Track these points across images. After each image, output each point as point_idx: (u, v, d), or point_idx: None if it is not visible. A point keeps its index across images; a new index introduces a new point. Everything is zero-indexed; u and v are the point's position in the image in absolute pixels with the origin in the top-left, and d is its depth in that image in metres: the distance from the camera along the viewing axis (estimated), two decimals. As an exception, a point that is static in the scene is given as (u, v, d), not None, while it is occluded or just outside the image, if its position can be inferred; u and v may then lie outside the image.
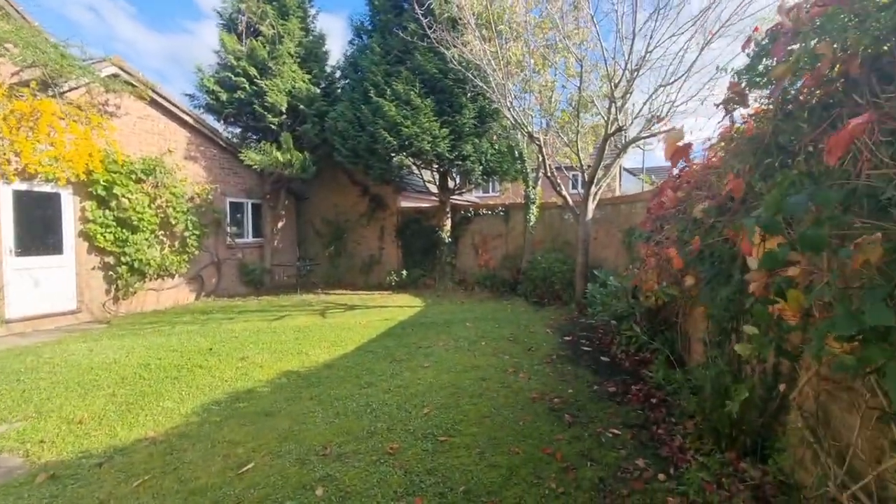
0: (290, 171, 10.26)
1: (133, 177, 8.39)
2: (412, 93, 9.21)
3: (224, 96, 9.84)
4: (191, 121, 9.76)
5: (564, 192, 8.37)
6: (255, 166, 10.17)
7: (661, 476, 2.77)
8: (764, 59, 1.98)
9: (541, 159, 8.47)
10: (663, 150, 2.31)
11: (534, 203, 10.19)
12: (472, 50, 7.71)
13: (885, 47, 1.53)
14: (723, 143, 2.89)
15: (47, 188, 7.42)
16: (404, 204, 12.79)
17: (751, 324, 2.86)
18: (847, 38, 1.55)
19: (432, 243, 11.77)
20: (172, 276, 9.56)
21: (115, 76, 8.06)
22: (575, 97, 8.40)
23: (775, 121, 1.90)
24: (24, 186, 7.12)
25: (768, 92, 2.08)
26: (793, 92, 1.92)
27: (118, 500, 2.60)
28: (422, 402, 3.96)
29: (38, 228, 7.49)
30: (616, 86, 6.71)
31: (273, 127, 10.15)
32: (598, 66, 8.97)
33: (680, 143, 2.19)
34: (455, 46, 7.81)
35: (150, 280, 9.07)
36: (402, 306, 9.01)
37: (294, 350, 5.71)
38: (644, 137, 7.41)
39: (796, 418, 2.57)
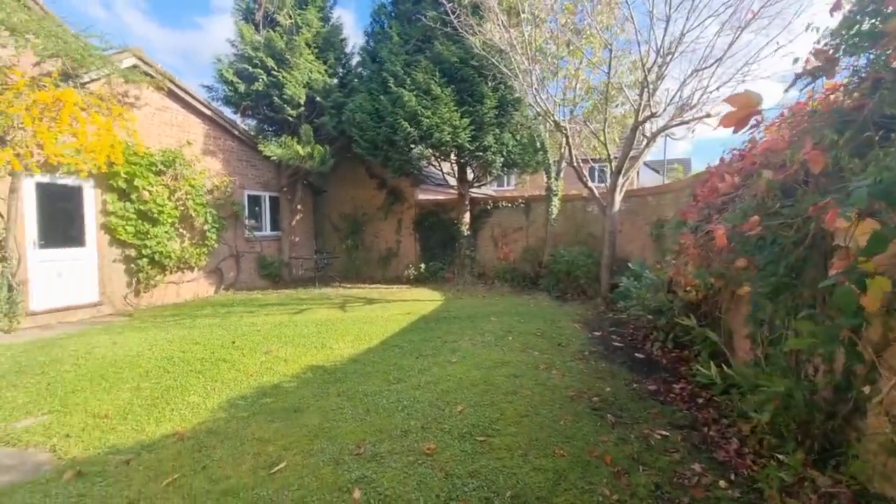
0: (309, 165, 10.15)
1: (153, 169, 8.36)
2: (432, 82, 8.99)
3: (242, 87, 9.75)
4: (209, 112, 9.69)
5: (590, 184, 8.10)
6: (274, 158, 10.08)
7: (723, 483, 2.56)
8: (867, 19, 1.74)
9: (566, 150, 8.21)
10: (721, 119, 2.08)
11: (556, 195, 9.92)
12: (497, 37, 7.45)
13: None
14: (791, 119, 2.64)
15: (69, 180, 7.42)
16: (422, 197, 12.62)
17: (813, 317, 2.62)
18: None
19: (451, 236, 11.59)
20: (192, 269, 9.54)
21: (135, 67, 8.00)
22: (603, 84, 8.11)
23: (881, 89, 1.67)
24: (46, 179, 7.12)
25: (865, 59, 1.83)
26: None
27: (148, 500, 2.48)
28: (454, 399, 3.79)
29: (60, 221, 7.49)
30: (649, 70, 6.41)
31: (291, 119, 10.04)
32: (627, 52, 8.67)
33: (746, 110, 1.96)
34: (478, 33, 7.56)
35: (171, 273, 9.06)
36: (423, 300, 8.85)
37: (317, 344, 5.59)
38: (675, 125, 7.11)
39: (880, 424, 2.33)
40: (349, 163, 12.06)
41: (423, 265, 11.48)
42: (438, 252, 11.90)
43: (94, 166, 6.42)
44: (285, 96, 9.64)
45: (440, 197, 12.86)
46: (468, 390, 3.99)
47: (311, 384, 4.23)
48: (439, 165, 11.48)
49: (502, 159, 9.90)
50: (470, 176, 11.22)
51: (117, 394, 4.08)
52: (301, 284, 11.36)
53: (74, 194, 7.61)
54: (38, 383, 4.36)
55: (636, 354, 5.07)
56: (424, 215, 12.17)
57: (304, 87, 9.82)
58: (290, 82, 9.55)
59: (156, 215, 8.36)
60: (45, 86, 5.31)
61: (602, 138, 7.88)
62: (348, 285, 11.30)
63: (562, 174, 10.13)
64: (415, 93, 9.03)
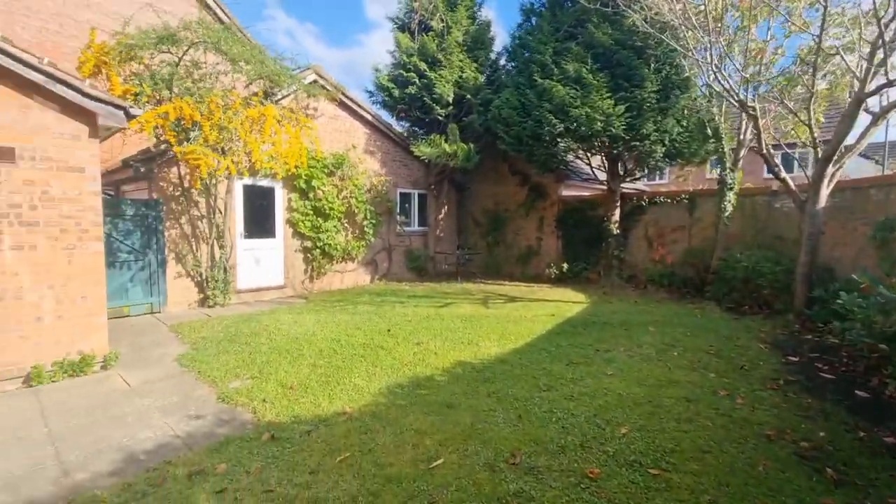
0: (454, 162, 10.47)
1: (326, 171, 9.53)
2: (583, 69, 8.41)
3: (396, 92, 10.48)
4: (369, 118, 10.67)
5: (783, 174, 6.66)
6: (424, 158, 10.64)
7: None
8: None
9: (749, 134, 6.90)
10: None
11: (731, 189, 8.45)
12: (666, 8, 6.59)
13: None
14: None
15: (265, 182, 8.89)
16: (565, 193, 12.04)
17: None
18: None
19: (597, 235, 10.80)
20: (352, 260, 10.66)
21: (314, 82, 9.20)
22: (804, 51, 6.60)
23: None
24: (250, 181, 8.65)
25: None
26: None
27: (326, 473, 2.73)
28: (616, 418, 3.42)
29: (258, 216, 9.04)
30: (886, 26, 4.93)
31: (440, 118, 10.46)
32: (840, 11, 6.91)
33: None
34: (643, 9, 6.78)
35: (336, 263, 10.25)
36: (567, 301, 8.42)
37: (464, 339, 5.68)
38: None
39: None
40: (492, 160, 12.13)
41: (565, 264, 10.95)
42: (582, 251, 11.22)
43: (285, 170, 7.54)
44: (435, 96, 10.07)
45: (585, 193, 12.11)
46: (631, 410, 3.57)
47: (461, 380, 4.28)
48: (588, 159, 10.79)
49: (663, 149, 8.80)
50: (621, 170, 10.29)
51: (299, 368, 4.69)
52: (444, 278, 11.84)
53: (268, 194, 9.10)
54: (242, 351, 5.27)
55: (858, 392, 3.96)
56: (568, 212, 11.58)
57: (453, 85, 10.12)
58: (440, 81, 9.94)
59: (327, 211, 9.53)
60: (252, 104, 6.45)
61: (805, 117, 6.39)
62: (489, 281, 11.39)
63: (739, 164, 8.58)
64: (563, 83, 8.57)
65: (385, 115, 11.41)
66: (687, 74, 8.31)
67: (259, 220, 9.05)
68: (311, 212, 9.40)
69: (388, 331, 6.11)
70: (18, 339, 4.26)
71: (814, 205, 6.44)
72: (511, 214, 12.67)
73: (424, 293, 9.51)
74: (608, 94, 8.29)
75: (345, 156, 9.87)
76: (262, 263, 9.05)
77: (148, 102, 5.87)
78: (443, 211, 13.04)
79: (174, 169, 7.52)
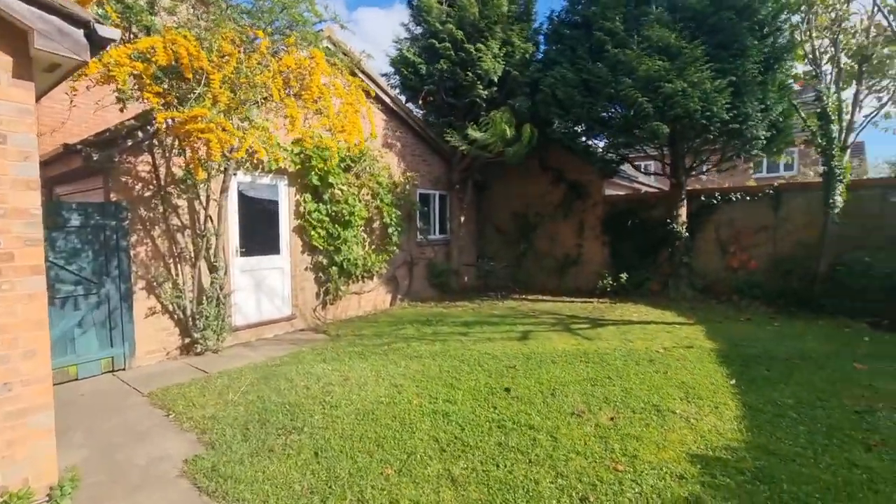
0: (514, 150, 8.53)
1: (342, 165, 7.35)
2: (672, 37, 6.85)
3: (424, 69, 8.47)
4: (387, 100, 8.57)
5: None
6: (464, 148, 8.69)
7: None
8: None
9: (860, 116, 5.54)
10: None
11: (841, 181, 7.17)
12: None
13: None
14: None
15: (267, 179, 6.62)
16: (608, 192, 10.51)
17: None
18: None
19: (656, 239, 9.28)
20: (371, 278, 8.48)
21: (327, 49, 7.02)
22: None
23: None
24: (247, 177, 6.35)
25: None
26: None
27: None
28: None
29: (258, 225, 6.71)
30: None
31: (479, 101, 8.54)
32: None
33: None
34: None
35: (354, 282, 8.04)
36: (669, 322, 6.73)
37: (641, 403, 3.75)
38: None
39: None
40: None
41: (623, 275, 9.32)
42: (634, 259, 9.66)
43: (299, 160, 5.34)
44: (479, 71, 8.13)
45: (626, 192, 10.65)
46: None
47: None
48: (645, 151, 9.27)
49: (766, 134, 7.37)
50: (688, 162, 8.85)
51: (427, 487, 2.60)
52: (473, 295, 9.89)
53: (271, 195, 6.80)
54: (298, 450, 3.09)
55: None
56: (616, 214, 10.00)
57: (500, 60, 8.25)
58: (486, 55, 8.04)
59: (346, 217, 7.34)
60: (285, 49, 4.25)
61: None
62: (529, 297, 9.57)
63: (848, 152, 7.32)
64: (646, 52, 6.96)
65: (403, 100, 9.35)
66: (790, 39, 6.98)
67: (260, 231, 6.73)
68: (328, 218, 7.17)
69: (508, 390, 4.10)
70: None
71: None
72: (544, 218, 10.94)
73: (475, 318, 7.50)
74: (705, 67, 6.75)
75: (366, 146, 7.72)
76: (264, 289, 6.72)
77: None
78: (463, 215, 11.09)
79: (145, 157, 5.13)
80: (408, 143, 9.33)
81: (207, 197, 5.42)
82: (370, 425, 3.48)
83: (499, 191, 11.58)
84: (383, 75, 9.17)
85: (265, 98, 4.02)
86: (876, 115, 7.57)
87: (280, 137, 5.72)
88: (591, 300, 8.98)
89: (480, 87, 8.23)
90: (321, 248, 7.20)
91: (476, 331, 6.53)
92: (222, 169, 5.28)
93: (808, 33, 7.10)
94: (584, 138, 8.39)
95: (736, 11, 6.78)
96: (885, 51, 7.37)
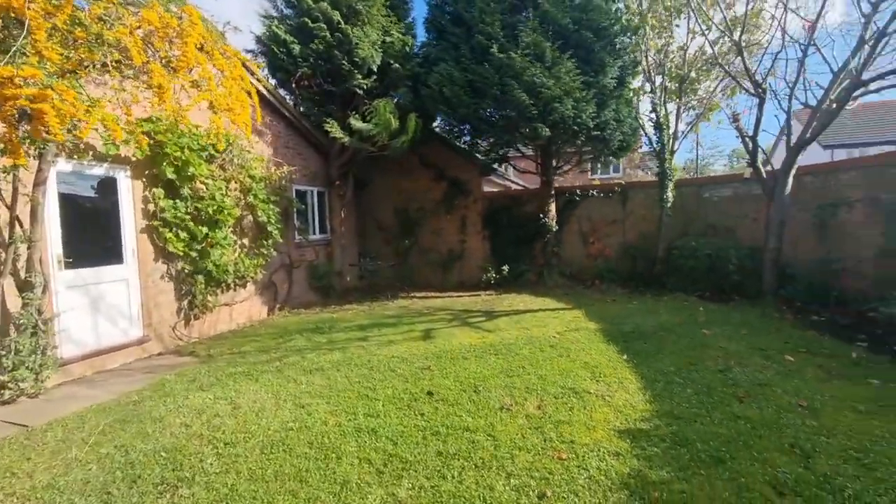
0: (401, 142, 8.20)
1: (204, 154, 6.24)
2: (546, 46, 7.42)
3: (297, 49, 7.66)
4: (258, 85, 7.57)
5: (759, 164, 6.89)
6: (341, 141, 8.13)
7: None
8: None
9: (683, 126, 6.88)
10: None
11: (671, 180, 8.67)
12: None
13: None
14: None
15: (100, 170, 5.24)
16: (486, 189, 11.02)
17: None
18: None
19: (531, 233, 10.05)
20: (245, 286, 7.43)
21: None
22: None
23: None
24: (69, 167, 4.93)
25: None
26: None
27: None
28: None
29: (90, 228, 5.29)
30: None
31: (359, 91, 8.08)
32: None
33: None
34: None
35: (224, 292, 6.94)
36: (553, 309, 7.27)
37: (561, 387, 3.88)
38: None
39: None
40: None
41: (505, 267, 9.86)
42: (512, 252, 10.33)
43: (142, 145, 4.35)
44: (356, 59, 7.67)
45: (498, 189, 11.32)
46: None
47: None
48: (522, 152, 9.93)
49: (620, 138, 8.48)
50: (556, 163, 9.76)
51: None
52: (361, 296, 9.42)
53: (106, 190, 5.41)
54: (196, 500, 2.44)
55: None
56: (495, 210, 10.55)
57: (378, 48, 7.89)
58: (364, 41, 7.61)
59: (214, 215, 6.25)
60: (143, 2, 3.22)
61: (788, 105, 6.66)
62: (418, 294, 9.50)
63: (675, 156, 8.88)
64: (528, 59, 7.42)
65: (274, 84, 8.36)
66: (633, 58, 8.17)
67: (93, 236, 5.32)
68: (188, 217, 5.99)
69: (431, 394, 3.87)
70: None
71: (782, 192, 6.79)
72: (427, 214, 10.99)
73: (369, 321, 7.10)
74: (578, 78, 7.47)
75: (232, 134, 6.68)
76: (104, 308, 5.33)
77: None
78: (342, 213, 10.48)
79: None
80: (280, 134, 8.40)
81: (14, 191, 4.02)
82: (283, 458, 2.94)
83: (380, 187, 11.25)
84: (248, 52, 8.08)
85: (118, 62, 3.05)
86: (692, 126, 9.33)
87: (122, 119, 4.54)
88: (478, 293, 9.28)
89: (360, 76, 7.79)
90: (181, 253, 5.99)
91: (375, 334, 6.16)
92: (37, 153, 3.96)
93: (644, 54, 8.36)
94: (468, 136, 8.58)
95: (593, 31, 7.63)
96: (693, 73, 9.09)
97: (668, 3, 7.70)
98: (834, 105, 6.16)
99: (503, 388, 3.93)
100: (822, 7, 5.86)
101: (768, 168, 7.38)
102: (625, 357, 4.62)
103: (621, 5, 8.11)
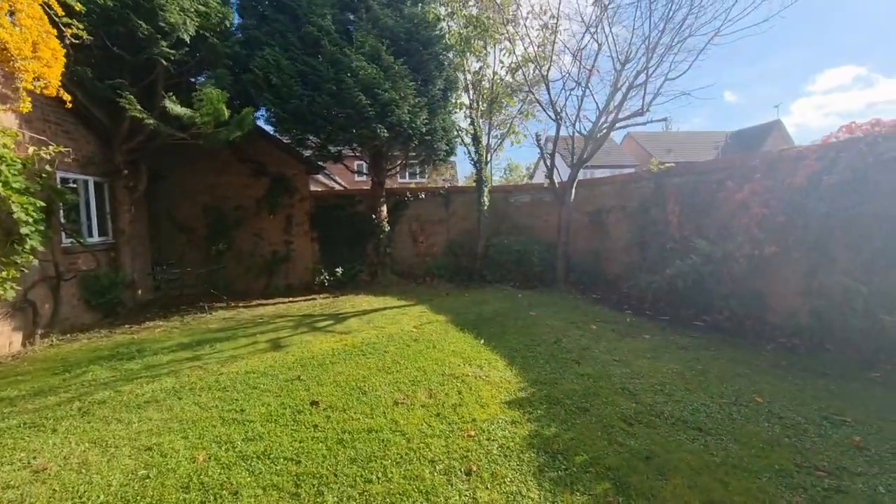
0: (227, 133, 6.99)
1: None
2: (383, 50, 7.60)
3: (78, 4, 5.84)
4: (-1, 30, 5.45)
5: (555, 176, 8.55)
6: (150, 123, 6.56)
7: None
8: None
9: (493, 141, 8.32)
10: None
11: (485, 186, 9.97)
12: None
13: None
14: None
15: None
16: (313, 188, 10.51)
17: None
18: None
19: (364, 233, 10.10)
20: (-15, 309, 5.29)
21: None
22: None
23: None
24: None
25: None
26: None
27: None
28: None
29: None
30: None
31: (166, 63, 6.66)
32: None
33: None
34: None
35: (-51, 320, 4.80)
36: (391, 307, 7.44)
37: (441, 374, 4.08)
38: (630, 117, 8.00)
39: None
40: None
41: (339, 269, 9.60)
42: (344, 252, 10.18)
43: None
44: (163, 24, 6.30)
45: (323, 188, 10.99)
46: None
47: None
48: (354, 152, 9.82)
49: (447, 146, 9.25)
50: (387, 164, 10.03)
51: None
52: (165, 311, 7.75)
53: None
54: None
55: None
56: (325, 210, 10.17)
57: (192, 17, 6.63)
58: (172, 5, 6.32)
59: (-67, 210, 4.26)
60: None
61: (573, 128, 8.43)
62: (241, 304, 8.41)
63: (489, 166, 10.24)
64: (365, 59, 7.45)
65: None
66: (454, 76, 9.10)
67: None
68: None
69: (315, 403, 3.55)
70: None
71: (569, 198, 8.63)
72: (246, 213, 9.81)
73: (190, 338, 5.95)
74: (412, 84, 7.85)
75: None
76: None
77: None
78: (132, 210, 8.43)
79: None
80: (38, 104, 6.25)
81: None
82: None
83: (181, 181, 9.50)
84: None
85: None
86: (500, 142, 10.91)
87: None
88: (312, 297, 8.79)
89: (164, 44, 6.44)
90: None
91: (208, 351, 5.24)
92: None
93: (465, 74, 9.40)
94: (296, 131, 8.00)
95: (421, 44, 8.17)
96: (500, 98, 10.65)
97: (487, 36, 8.81)
98: (599, 134, 8.20)
99: (388, 384, 3.93)
100: (595, 60, 7.80)
101: (558, 180, 9.25)
102: (482, 341, 5.18)
103: (444, 25, 8.90)
